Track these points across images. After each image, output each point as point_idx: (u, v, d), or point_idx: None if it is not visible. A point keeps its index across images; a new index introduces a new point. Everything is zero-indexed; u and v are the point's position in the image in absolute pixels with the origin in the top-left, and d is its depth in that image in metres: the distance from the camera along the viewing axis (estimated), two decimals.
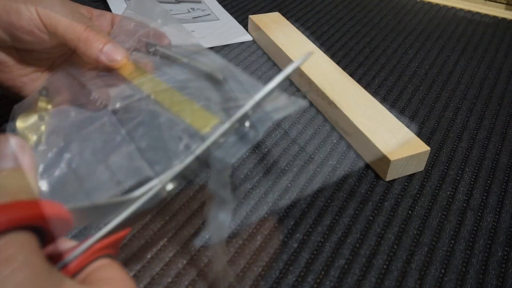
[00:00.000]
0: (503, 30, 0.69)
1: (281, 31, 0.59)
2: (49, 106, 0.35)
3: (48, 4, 0.34)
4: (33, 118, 0.34)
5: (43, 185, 0.29)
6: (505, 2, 0.74)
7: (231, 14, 0.70)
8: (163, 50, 0.36)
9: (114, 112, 0.33)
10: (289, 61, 0.54)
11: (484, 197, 0.40)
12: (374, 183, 0.41)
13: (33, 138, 0.33)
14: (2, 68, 0.37)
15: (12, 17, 0.34)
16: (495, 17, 0.72)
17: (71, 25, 0.34)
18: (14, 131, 0.36)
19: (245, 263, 0.34)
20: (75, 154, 0.31)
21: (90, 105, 0.34)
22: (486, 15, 0.73)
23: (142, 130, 0.31)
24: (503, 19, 0.72)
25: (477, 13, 0.73)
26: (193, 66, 0.35)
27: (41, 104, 0.35)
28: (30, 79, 0.38)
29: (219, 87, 0.32)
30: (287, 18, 0.67)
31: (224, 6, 0.72)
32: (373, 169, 0.42)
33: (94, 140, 0.32)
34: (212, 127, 0.28)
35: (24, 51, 0.37)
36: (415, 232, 0.37)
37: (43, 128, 0.34)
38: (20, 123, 0.34)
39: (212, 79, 0.33)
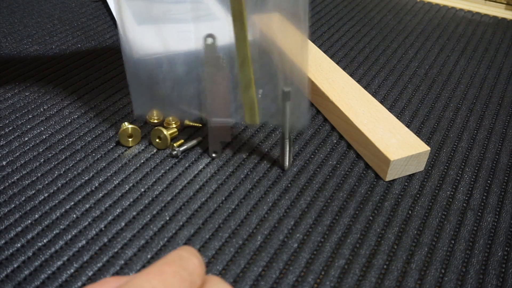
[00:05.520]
0: (503, 30, 0.69)
1: (281, 31, 0.59)
2: None
3: None
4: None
5: None
6: (505, 2, 0.74)
7: None
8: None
9: None
10: (289, 61, 0.54)
11: (484, 197, 0.40)
12: (374, 183, 0.41)
13: None
14: None
15: None
16: (495, 17, 0.72)
17: None
18: None
19: (245, 263, 0.34)
20: None
21: None
22: (486, 15, 0.73)
23: None
24: (503, 19, 0.72)
25: (477, 13, 0.73)
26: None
27: None
28: None
29: None
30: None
31: (225, 6, 0.72)
32: (373, 169, 0.42)
33: None
34: None
35: None
36: (415, 232, 0.37)
37: None
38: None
39: None
